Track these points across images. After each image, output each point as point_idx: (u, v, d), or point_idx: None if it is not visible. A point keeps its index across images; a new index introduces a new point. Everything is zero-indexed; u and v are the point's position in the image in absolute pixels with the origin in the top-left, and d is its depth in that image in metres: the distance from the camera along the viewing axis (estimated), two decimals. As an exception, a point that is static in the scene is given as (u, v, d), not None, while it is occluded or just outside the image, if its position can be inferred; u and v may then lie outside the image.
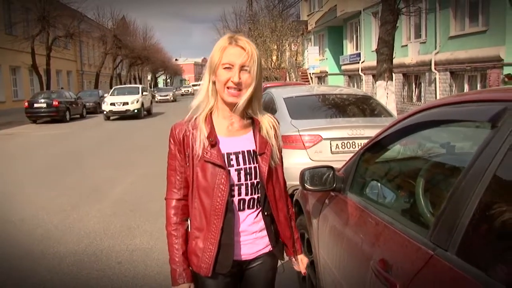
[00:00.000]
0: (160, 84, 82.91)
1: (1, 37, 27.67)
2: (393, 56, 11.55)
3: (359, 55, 24.66)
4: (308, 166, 2.58)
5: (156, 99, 42.61)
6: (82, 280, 3.95)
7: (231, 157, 1.74)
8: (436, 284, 1.36)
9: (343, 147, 5.29)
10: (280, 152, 1.89)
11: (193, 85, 70.49)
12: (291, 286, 3.44)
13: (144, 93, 24.80)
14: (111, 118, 22.76)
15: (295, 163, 4.86)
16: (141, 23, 70.77)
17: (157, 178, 7.17)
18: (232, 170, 1.73)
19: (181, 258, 1.76)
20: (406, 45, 18.86)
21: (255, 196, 1.78)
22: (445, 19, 16.04)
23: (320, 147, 5.26)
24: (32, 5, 27.24)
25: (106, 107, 22.74)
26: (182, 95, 62.92)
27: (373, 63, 12.87)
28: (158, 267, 4.12)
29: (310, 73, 30.33)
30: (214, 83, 1.74)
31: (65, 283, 3.93)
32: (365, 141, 2.58)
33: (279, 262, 1.94)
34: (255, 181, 1.76)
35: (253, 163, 1.76)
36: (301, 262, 2.00)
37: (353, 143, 5.29)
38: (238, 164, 1.74)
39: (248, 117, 1.81)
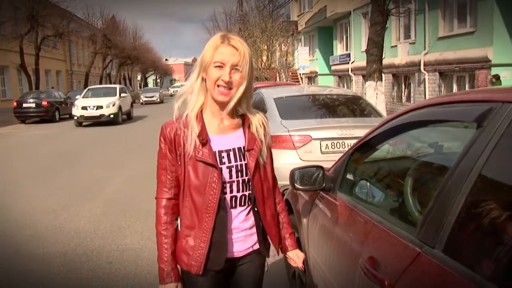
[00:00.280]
0: (150, 84, 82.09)
1: (-11, 36, 27.47)
2: (383, 57, 11.64)
3: (349, 55, 24.79)
4: (298, 166, 2.61)
5: (141, 100, 39.94)
6: (73, 281, 3.92)
7: (222, 154, 1.75)
8: (424, 281, 1.39)
9: (333, 147, 5.32)
10: (270, 150, 1.90)
11: (182, 85, 69.21)
12: (281, 284, 3.46)
13: (123, 94, 21.30)
14: (84, 124, 19.47)
15: (285, 163, 4.87)
16: (131, 22, 70.58)
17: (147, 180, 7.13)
18: (224, 167, 1.74)
19: (170, 257, 1.77)
20: (396, 46, 18.98)
21: (246, 193, 1.79)
22: (434, 20, 16.18)
23: (310, 147, 5.29)
24: (21, 4, 26.94)
25: (76, 111, 19.36)
26: (171, 95, 59.33)
27: (363, 63, 12.94)
28: (148, 266, 4.11)
29: (300, 74, 30.39)
30: (204, 80, 1.75)
31: (55, 284, 3.90)
32: (355, 141, 2.61)
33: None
34: (246, 178, 1.78)
35: (244, 160, 1.78)
36: (297, 257, 2.00)
37: (343, 143, 5.32)
38: (229, 161, 1.76)
39: (239, 114, 1.83)
